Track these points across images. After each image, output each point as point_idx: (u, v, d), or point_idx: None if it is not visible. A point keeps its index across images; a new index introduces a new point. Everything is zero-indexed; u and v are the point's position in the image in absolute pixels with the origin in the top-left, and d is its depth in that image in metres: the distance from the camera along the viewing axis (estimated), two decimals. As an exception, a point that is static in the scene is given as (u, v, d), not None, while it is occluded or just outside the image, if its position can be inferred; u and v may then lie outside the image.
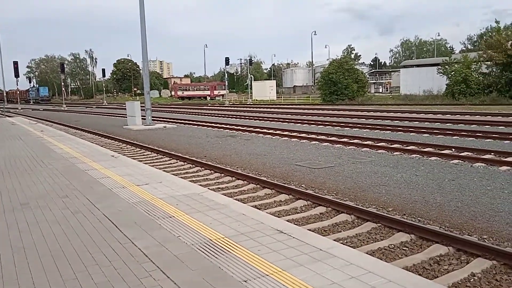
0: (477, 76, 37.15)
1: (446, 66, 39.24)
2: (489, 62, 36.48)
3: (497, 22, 40.56)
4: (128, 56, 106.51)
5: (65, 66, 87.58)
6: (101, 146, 13.45)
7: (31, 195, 6.13)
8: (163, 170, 9.13)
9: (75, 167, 8.42)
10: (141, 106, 23.81)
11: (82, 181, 7.01)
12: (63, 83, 67.87)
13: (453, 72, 37.63)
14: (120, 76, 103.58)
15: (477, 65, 37.38)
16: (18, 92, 64.88)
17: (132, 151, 14.18)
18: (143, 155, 13.22)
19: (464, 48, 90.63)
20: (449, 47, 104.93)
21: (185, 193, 5.99)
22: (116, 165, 8.55)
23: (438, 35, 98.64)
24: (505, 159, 9.97)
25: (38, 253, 3.86)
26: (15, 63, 48.72)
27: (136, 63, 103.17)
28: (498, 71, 35.96)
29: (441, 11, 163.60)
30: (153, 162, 11.57)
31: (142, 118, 23.17)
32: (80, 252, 3.86)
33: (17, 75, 49.58)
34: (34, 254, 3.85)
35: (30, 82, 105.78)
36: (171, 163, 11.56)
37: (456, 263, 4.78)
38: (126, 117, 24.66)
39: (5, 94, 72.10)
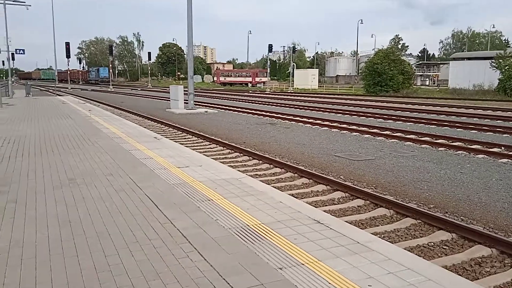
0: (534, 71, 35.02)
1: (500, 60, 37.20)
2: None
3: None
4: (173, 40, 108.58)
5: (113, 48, 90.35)
6: (145, 127, 13.83)
7: (78, 172, 6.41)
8: (203, 154, 9.28)
9: (120, 147, 8.72)
10: (184, 90, 24.22)
11: (126, 161, 7.26)
12: (110, 65, 70.08)
13: (507, 67, 35.63)
14: (165, 60, 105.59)
15: (535, 60, 35.20)
16: (80, 73, 67.45)
17: (174, 134, 14.50)
18: (184, 138, 13.49)
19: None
20: (504, 40, 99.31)
21: (224, 178, 6.07)
22: (158, 147, 8.78)
23: (493, 27, 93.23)
24: (560, 161, 9.40)
25: (83, 228, 4.06)
26: (67, 44, 50.80)
27: (181, 47, 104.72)
28: (558, 67, 33.73)
29: (497, 0, 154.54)
30: (194, 146, 11.79)
31: (184, 102, 23.58)
32: (122, 229, 4.01)
33: (68, 55, 51.78)
34: (79, 229, 4.05)
35: (80, 63, 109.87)
36: (211, 147, 11.74)
37: (499, 266, 4.59)
38: (169, 100, 25.18)
39: (68, 73, 72.23)
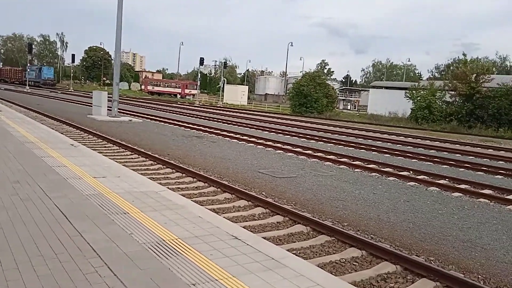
0: (440, 104, 38.68)
1: (413, 91, 40.62)
2: (453, 92, 38.06)
3: (464, 55, 42.58)
4: (100, 44, 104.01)
5: (33, 47, 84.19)
6: (61, 133, 13.00)
7: (-21, 177, 5.83)
8: (123, 164, 8.92)
9: (31, 153, 8.09)
10: (108, 97, 23.23)
11: (36, 168, 6.74)
12: (29, 64, 65.23)
13: (418, 98, 39.00)
14: (90, 63, 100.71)
15: (442, 93, 38.93)
16: (13, 71, 60.10)
17: (94, 141, 13.79)
18: (105, 146, 12.89)
19: (432, 76, 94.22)
20: (418, 73, 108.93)
21: (143, 190, 5.87)
22: (74, 155, 8.29)
23: (409, 61, 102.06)
24: (458, 186, 10.39)
25: (-22, 239, 3.68)
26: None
27: (108, 52, 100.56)
28: (461, 101, 37.56)
29: (414, 38, 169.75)
30: (114, 155, 11.30)
31: (108, 109, 22.62)
32: (25, 242, 3.70)
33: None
34: (-25, 239, 3.66)
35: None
36: (132, 158, 11.33)
37: (402, 281, 4.92)
38: (91, 106, 23.99)
39: None
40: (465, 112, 36.26)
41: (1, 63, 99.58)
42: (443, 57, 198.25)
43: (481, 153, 18.19)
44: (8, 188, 5.41)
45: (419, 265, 5.12)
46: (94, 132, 15.49)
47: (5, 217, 4.29)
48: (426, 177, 11.44)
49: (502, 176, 12.58)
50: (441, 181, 10.87)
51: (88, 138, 14.53)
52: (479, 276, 5.21)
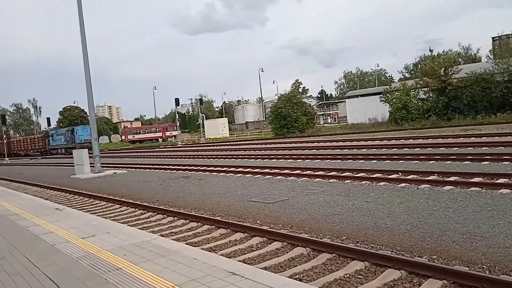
0: (416, 102, 39.43)
1: (387, 95, 41.40)
2: (426, 89, 38.90)
3: (431, 50, 43.97)
4: (74, 102, 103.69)
5: (7, 117, 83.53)
6: (46, 199, 12.76)
7: (-37, 260, 5.62)
8: (113, 219, 8.76)
9: (15, 225, 7.87)
10: (89, 154, 23.02)
11: (21, 239, 6.54)
12: (4, 136, 64.55)
13: (393, 100, 39.74)
14: (67, 123, 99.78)
15: (415, 92, 39.75)
16: (30, 140, 54.54)
17: (80, 201, 13.54)
18: (92, 204, 12.66)
19: (402, 77, 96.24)
20: (389, 76, 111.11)
21: (134, 242, 5.73)
22: (60, 219, 8.09)
23: (377, 66, 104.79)
24: (448, 179, 10.45)
25: (-34, 326, 3.50)
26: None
27: (83, 109, 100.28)
28: (435, 96, 38.36)
29: (378, 42, 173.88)
30: (102, 211, 11.09)
31: (91, 166, 22.35)
32: (16, 319, 3.54)
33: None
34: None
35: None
36: (121, 211, 11.13)
37: (409, 286, 4.83)
38: (74, 166, 23.69)
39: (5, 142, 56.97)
40: (441, 105, 36.98)
41: (11, 132, 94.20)
42: (410, 57, 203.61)
43: (464, 143, 18.45)
44: (-6, 266, 5.22)
45: (423, 266, 5.05)
46: (80, 191, 15.24)
47: (-7, 298, 4.12)
48: (415, 176, 11.48)
49: (489, 162, 12.72)
50: (431, 177, 10.92)
51: (74, 198, 14.27)
52: (484, 266, 5.16)
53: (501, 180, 9.70)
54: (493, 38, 68.52)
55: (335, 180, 12.33)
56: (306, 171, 14.79)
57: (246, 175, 15.49)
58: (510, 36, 49.27)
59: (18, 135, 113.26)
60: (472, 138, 20.74)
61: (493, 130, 24.40)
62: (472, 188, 9.23)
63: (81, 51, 22.20)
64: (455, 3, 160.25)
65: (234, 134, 68.39)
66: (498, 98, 34.38)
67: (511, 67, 34.45)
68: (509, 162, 12.19)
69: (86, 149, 23.82)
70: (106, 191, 14.78)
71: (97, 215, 9.13)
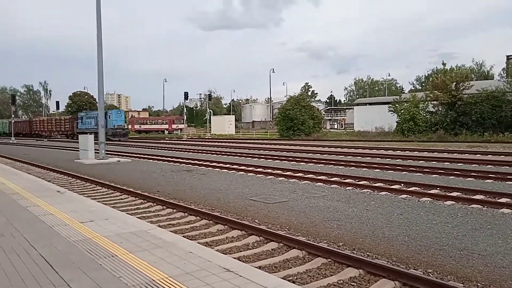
0: (424, 114, 39.23)
1: (396, 105, 41.21)
2: (435, 102, 38.68)
3: (444, 64, 43.59)
4: (84, 88, 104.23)
5: (17, 98, 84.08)
6: (48, 181, 12.84)
7: (-38, 235, 5.68)
8: (112, 206, 8.81)
9: (16, 204, 7.94)
10: (95, 140, 23.14)
11: (21, 219, 6.60)
12: (13, 115, 65.02)
13: (402, 111, 39.54)
14: (76, 109, 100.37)
15: (425, 104, 39.54)
16: (55, 122, 53.58)
17: (82, 186, 13.62)
18: (93, 190, 12.72)
19: (413, 88, 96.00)
20: (399, 86, 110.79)
21: (132, 231, 5.76)
22: (61, 201, 8.15)
23: (389, 75, 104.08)
24: (450, 194, 10.40)
25: (-40, 299, 3.54)
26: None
27: (92, 96, 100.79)
28: (444, 110, 38.14)
29: (392, 53, 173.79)
30: (103, 198, 11.14)
31: (95, 152, 22.47)
32: (9, 297, 3.57)
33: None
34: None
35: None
36: (121, 199, 11.18)
37: (402, 298, 4.82)
38: (78, 150, 23.82)
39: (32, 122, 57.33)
40: (450, 120, 36.75)
41: (19, 113, 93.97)
42: (422, 69, 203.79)
43: (469, 159, 18.34)
44: (-8, 242, 5.27)
45: (418, 279, 5.04)
46: (82, 176, 15.32)
47: (-11, 274, 4.15)
48: (417, 188, 11.44)
49: (492, 180, 12.64)
50: (433, 191, 10.87)
51: (76, 183, 14.35)
52: (479, 284, 5.14)
53: (503, 200, 9.64)
54: (507, 56, 67.92)
55: (337, 186, 12.31)
56: (308, 174, 14.77)
57: (248, 174, 15.50)
58: (525, 55, 48.92)
59: (25, 117, 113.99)
60: (477, 155, 20.61)
61: (500, 149, 24.23)
62: (473, 205, 9.18)
63: (96, 37, 22.30)
64: (472, 18, 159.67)
65: (240, 132, 68.43)
66: (507, 117, 34.13)
67: (524, 87, 34.21)
68: (513, 182, 12.11)
69: (92, 135, 23.89)
70: (108, 178, 14.85)
71: (98, 201, 9.18)
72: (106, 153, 22.52)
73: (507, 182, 12.19)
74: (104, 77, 22.73)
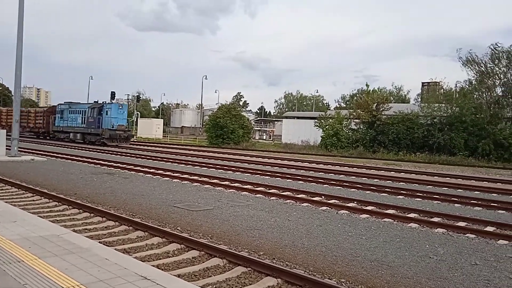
0: (347, 131, 41.42)
1: (322, 120, 43.06)
2: (357, 120, 41.04)
3: (367, 85, 46.51)
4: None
5: None
6: None
7: None
8: (22, 208, 8.16)
9: None
10: (7, 135, 21.32)
11: None
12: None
13: (327, 126, 41.42)
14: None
15: (348, 122, 41.78)
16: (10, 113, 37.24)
17: (-12, 184, 12.46)
18: (1, 189, 11.70)
19: (338, 106, 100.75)
20: (326, 103, 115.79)
21: (42, 235, 5.38)
22: (-39, 200, 7.39)
23: (317, 92, 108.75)
24: (365, 208, 11.04)
25: None
26: None
27: (8, 87, 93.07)
28: (365, 128, 40.56)
29: (320, 70, 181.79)
30: (12, 198, 10.28)
31: (7, 148, 20.70)
32: None
33: None
34: None
35: None
36: (33, 200, 10.40)
37: (316, 306, 5.00)
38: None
39: None
40: (369, 138, 39.14)
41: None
42: (348, 88, 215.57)
43: (384, 176, 19.63)
44: None
45: (331, 288, 5.27)
46: (-11, 174, 14.02)
47: None
48: (336, 201, 11.99)
49: (403, 196, 13.63)
50: (350, 204, 11.47)
51: (-19, 181, 13.10)
52: (386, 293, 5.49)
53: (411, 215, 10.43)
54: (423, 83, 74.40)
55: (261, 195, 12.51)
56: (234, 183, 14.85)
57: (174, 180, 15.21)
58: (437, 83, 53.61)
59: None
60: (391, 172, 22.13)
61: (411, 168, 26.23)
62: (386, 219, 9.82)
63: (16, 22, 20.65)
64: (392, 47, 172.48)
65: (168, 136, 67.04)
66: (419, 138, 37.10)
67: (434, 112, 37.46)
68: (421, 199, 13.14)
69: (4, 130, 21.98)
70: (19, 177, 13.75)
71: (5, 202, 8.45)
72: (19, 150, 20.84)
73: (416, 199, 13.21)
74: (23, 68, 21.12)
